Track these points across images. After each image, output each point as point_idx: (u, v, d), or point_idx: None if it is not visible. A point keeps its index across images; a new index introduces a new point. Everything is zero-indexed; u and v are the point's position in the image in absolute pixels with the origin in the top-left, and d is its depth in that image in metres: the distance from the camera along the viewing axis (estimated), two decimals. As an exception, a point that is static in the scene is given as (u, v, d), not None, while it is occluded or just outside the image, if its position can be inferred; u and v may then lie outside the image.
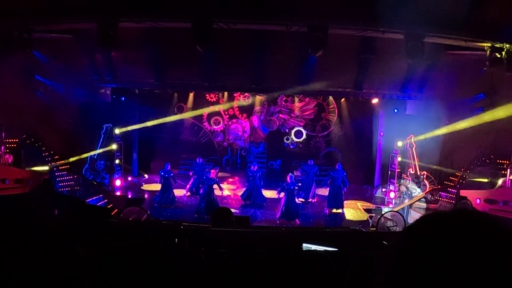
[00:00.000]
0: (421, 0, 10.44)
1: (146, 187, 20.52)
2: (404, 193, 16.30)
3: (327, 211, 17.11)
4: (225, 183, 21.12)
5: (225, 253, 3.24)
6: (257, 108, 24.72)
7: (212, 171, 17.13)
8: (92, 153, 18.80)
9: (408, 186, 16.03)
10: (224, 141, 25.09)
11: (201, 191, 16.70)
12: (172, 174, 17.44)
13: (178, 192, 18.43)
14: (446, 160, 18.83)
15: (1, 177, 13.78)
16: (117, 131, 19.59)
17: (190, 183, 19.13)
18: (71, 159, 17.84)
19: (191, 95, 23.46)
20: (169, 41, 15.84)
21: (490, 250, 0.92)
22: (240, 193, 18.81)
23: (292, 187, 15.79)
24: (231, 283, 3.03)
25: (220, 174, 22.35)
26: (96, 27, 12.06)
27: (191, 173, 19.22)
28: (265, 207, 17.55)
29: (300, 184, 17.13)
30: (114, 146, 19.49)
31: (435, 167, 18.59)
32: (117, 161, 19.87)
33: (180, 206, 17.62)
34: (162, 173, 17.24)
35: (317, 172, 19.12)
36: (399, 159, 19.22)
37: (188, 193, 18.96)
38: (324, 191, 18.32)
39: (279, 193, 16.05)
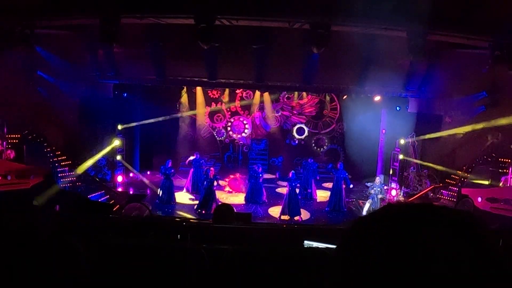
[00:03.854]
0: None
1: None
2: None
3: (328, 209, 17.18)
4: (226, 179, 21.14)
5: (227, 249, 3.24)
6: (261, 104, 24.72)
7: (211, 169, 17.15)
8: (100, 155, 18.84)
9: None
10: (226, 137, 25.10)
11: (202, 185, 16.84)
12: (172, 171, 17.47)
13: (179, 194, 18.49)
14: (448, 158, 18.81)
15: (3, 173, 13.79)
16: (119, 127, 19.61)
17: (188, 179, 19.19)
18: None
19: (191, 90, 23.53)
20: (171, 37, 15.83)
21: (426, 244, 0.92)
22: (241, 192, 18.90)
23: (294, 184, 15.83)
24: (232, 280, 3.03)
25: (222, 171, 22.41)
26: (98, 23, 12.05)
27: (190, 172, 19.30)
28: (267, 204, 17.59)
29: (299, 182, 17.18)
30: (116, 142, 19.50)
31: (436, 165, 18.58)
32: (118, 157, 19.89)
33: (182, 203, 17.65)
34: (162, 169, 17.29)
35: (316, 170, 19.18)
36: (401, 157, 19.23)
37: (186, 189, 19.02)
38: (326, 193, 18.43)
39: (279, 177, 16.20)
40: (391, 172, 19.64)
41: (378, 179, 16.12)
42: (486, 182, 16.40)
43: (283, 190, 17.87)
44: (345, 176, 17.12)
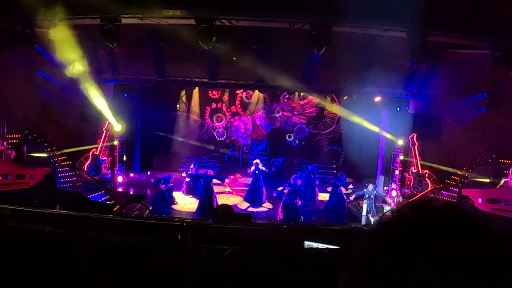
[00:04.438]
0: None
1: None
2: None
3: (324, 209, 17.25)
4: (226, 180, 21.15)
5: (227, 250, 3.23)
6: (260, 105, 24.71)
7: (209, 171, 17.14)
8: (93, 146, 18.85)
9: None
10: (226, 138, 25.09)
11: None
12: (171, 184, 17.39)
13: (178, 195, 18.50)
14: (448, 159, 18.82)
15: (3, 173, 13.80)
16: (117, 127, 19.58)
17: (184, 184, 19.14)
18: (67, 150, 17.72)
19: (194, 91, 23.58)
20: (172, 38, 15.81)
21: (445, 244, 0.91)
22: (242, 192, 18.91)
23: (293, 188, 15.80)
24: (232, 280, 3.03)
25: (222, 172, 22.40)
26: (99, 23, 12.05)
27: (191, 171, 19.26)
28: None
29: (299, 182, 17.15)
30: (116, 142, 19.50)
31: (437, 166, 18.58)
32: (119, 157, 19.88)
33: (182, 203, 17.63)
34: (162, 181, 17.18)
35: (316, 173, 19.26)
36: (401, 157, 19.22)
37: (184, 192, 18.97)
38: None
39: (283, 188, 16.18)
40: (397, 172, 19.56)
41: (371, 186, 16.07)
42: (487, 180, 16.41)
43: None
44: (344, 184, 17.25)
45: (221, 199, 17.08)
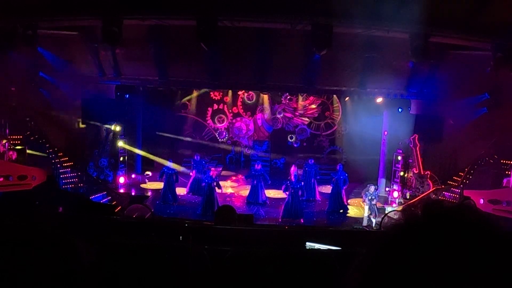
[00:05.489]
0: (426, -1, 10.42)
1: (147, 185, 20.43)
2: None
3: (327, 210, 17.21)
4: (228, 181, 21.13)
5: (229, 251, 3.23)
6: (261, 106, 24.71)
7: (212, 169, 17.14)
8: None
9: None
10: (228, 139, 25.09)
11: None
12: (175, 171, 17.47)
13: (180, 191, 18.49)
14: (449, 159, 18.79)
15: (5, 174, 13.80)
16: (117, 128, 19.58)
17: (190, 181, 19.17)
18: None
19: (195, 92, 23.60)
20: (173, 39, 15.83)
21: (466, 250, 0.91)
22: (244, 193, 18.89)
23: (296, 186, 15.81)
24: (234, 281, 3.03)
25: (224, 172, 22.40)
26: (100, 24, 12.06)
27: (192, 173, 19.27)
28: (268, 205, 17.57)
29: (302, 183, 17.07)
30: (117, 143, 19.50)
31: (438, 167, 18.56)
32: (121, 158, 19.89)
33: (183, 204, 17.64)
34: (165, 170, 17.28)
35: (318, 171, 19.21)
36: (399, 158, 19.23)
37: (187, 191, 18.97)
38: (327, 189, 18.39)
39: (284, 191, 16.11)
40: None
41: (373, 188, 16.01)
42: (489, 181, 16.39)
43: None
44: (344, 177, 17.16)
45: (223, 201, 17.04)
